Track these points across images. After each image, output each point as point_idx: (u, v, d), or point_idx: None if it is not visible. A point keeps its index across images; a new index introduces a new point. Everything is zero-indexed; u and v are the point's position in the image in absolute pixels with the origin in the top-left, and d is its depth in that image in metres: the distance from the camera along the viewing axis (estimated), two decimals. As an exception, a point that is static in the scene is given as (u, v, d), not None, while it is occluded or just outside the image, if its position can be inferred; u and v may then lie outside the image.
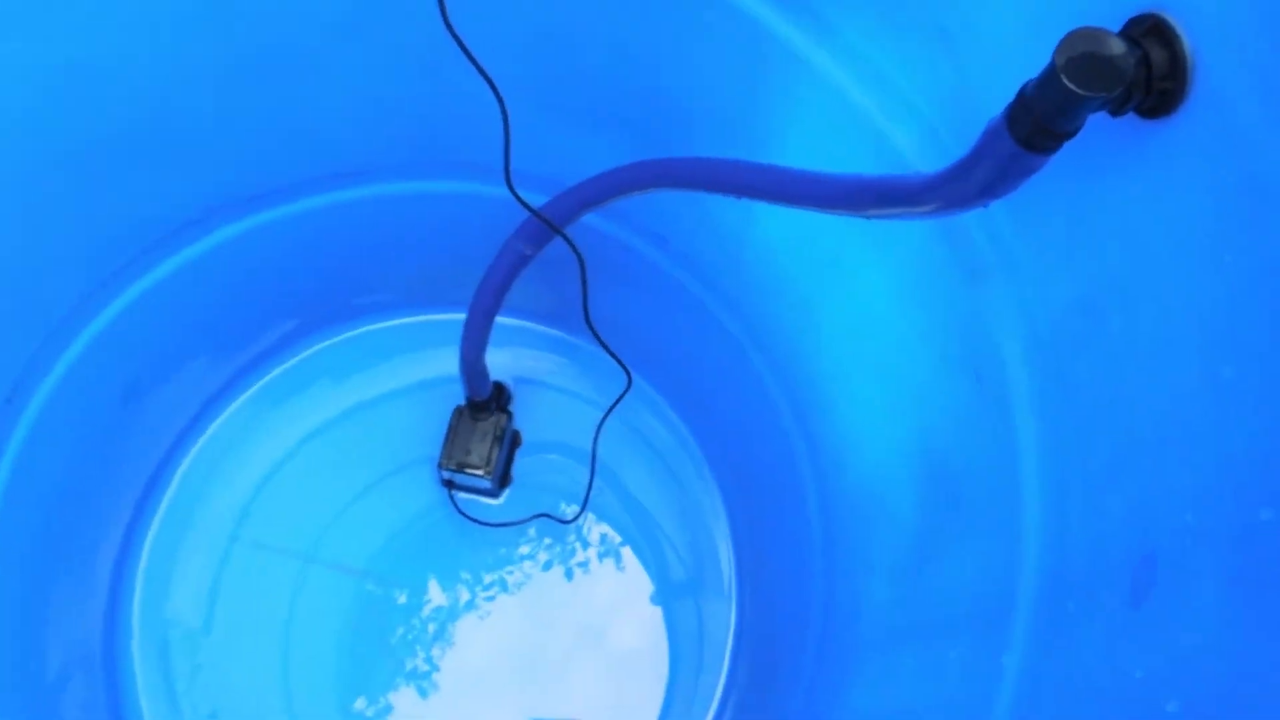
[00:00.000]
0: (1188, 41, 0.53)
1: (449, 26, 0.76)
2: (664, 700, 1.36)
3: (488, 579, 1.40)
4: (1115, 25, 0.55)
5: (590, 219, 1.04)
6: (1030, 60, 0.53)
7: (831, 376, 1.08)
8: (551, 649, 1.37)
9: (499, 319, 1.17)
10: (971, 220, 0.77)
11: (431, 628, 1.37)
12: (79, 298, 1.11)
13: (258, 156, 1.13)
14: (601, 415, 1.35)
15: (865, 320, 0.98)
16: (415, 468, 1.43)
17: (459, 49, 0.78)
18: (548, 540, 1.42)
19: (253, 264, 1.25)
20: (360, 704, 1.34)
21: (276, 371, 1.46)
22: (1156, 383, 0.59)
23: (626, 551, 1.42)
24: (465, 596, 1.38)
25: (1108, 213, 0.63)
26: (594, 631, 1.38)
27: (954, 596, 0.84)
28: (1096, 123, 0.55)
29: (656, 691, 1.36)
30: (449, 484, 1.41)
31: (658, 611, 1.39)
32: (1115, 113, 0.55)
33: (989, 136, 0.55)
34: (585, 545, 1.42)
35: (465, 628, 1.37)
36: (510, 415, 1.41)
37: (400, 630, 1.37)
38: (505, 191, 0.92)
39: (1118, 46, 0.49)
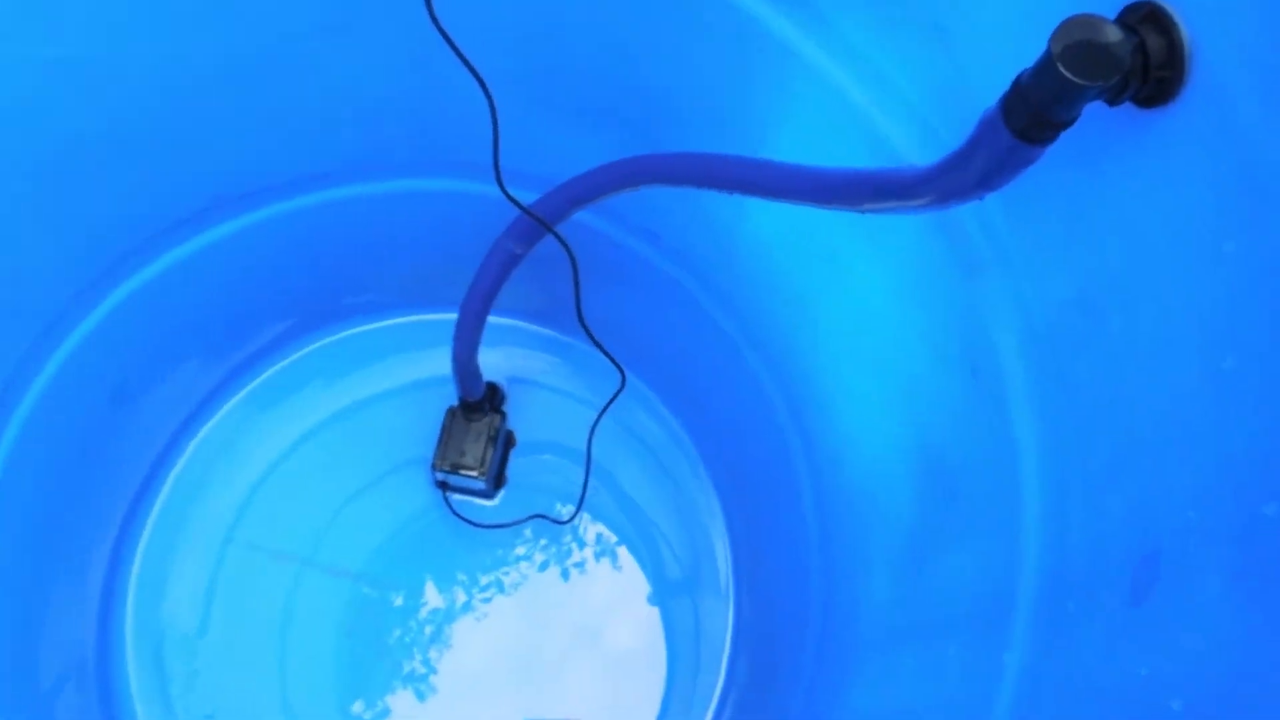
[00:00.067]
0: (1185, 28, 0.52)
1: (435, 22, 0.75)
2: (662, 700, 1.35)
3: (484, 580, 1.39)
4: (1111, 13, 0.54)
5: (582, 216, 1.03)
6: (1025, 53, 0.53)
7: (827, 373, 1.07)
8: (548, 650, 1.37)
9: (491, 318, 1.17)
10: (966, 213, 0.76)
11: (428, 629, 1.36)
12: (68, 298, 1.10)
13: (248, 155, 1.13)
14: (596, 414, 1.34)
15: (860, 316, 0.98)
16: (409, 469, 1.43)
17: (447, 46, 0.77)
18: (543, 541, 1.41)
19: (244, 264, 1.25)
20: (358, 707, 1.33)
21: (269, 373, 1.45)
22: (1156, 378, 0.59)
23: (623, 551, 1.42)
24: (461, 598, 1.38)
25: (1104, 204, 0.62)
26: (591, 632, 1.38)
27: (953, 595, 0.83)
28: (1092, 112, 0.54)
29: (654, 692, 1.36)
30: (443, 485, 1.40)
31: (655, 611, 1.39)
32: (1112, 102, 0.54)
33: (984, 128, 0.54)
34: (581, 545, 1.42)
35: (462, 629, 1.37)
36: (504, 415, 1.41)
37: (397, 632, 1.36)
38: (496, 190, 0.92)
39: (1114, 34, 0.49)
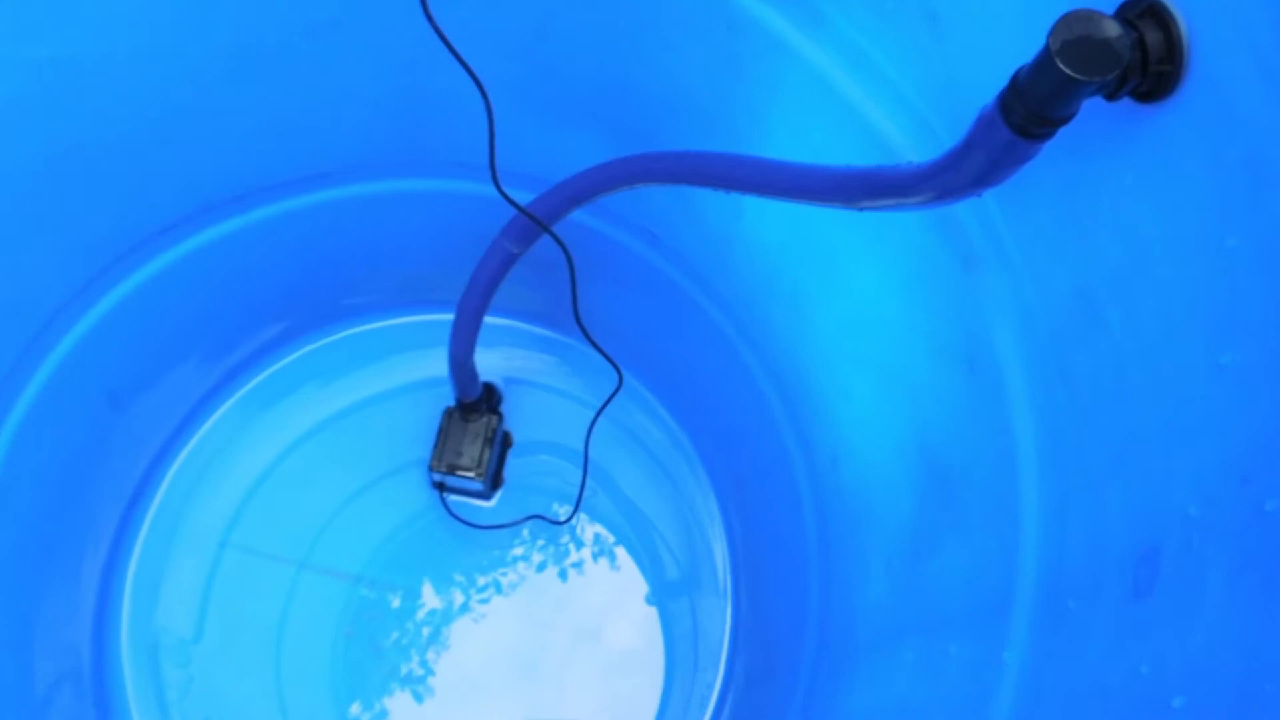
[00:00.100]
0: (1184, 23, 0.52)
1: (431, 21, 0.75)
2: (661, 700, 1.35)
3: (482, 581, 1.39)
4: (1109, 8, 0.54)
5: (578, 216, 1.03)
6: (1020, 44, 0.52)
7: (824, 371, 1.07)
8: (547, 651, 1.36)
9: (488, 319, 1.17)
10: (964, 210, 0.76)
11: (426, 631, 1.36)
12: (61, 302, 1.10)
13: (241, 157, 1.12)
14: (593, 415, 1.34)
15: (857, 314, 0.98)
16: (406, 471, 1.43)
17: (443, 47, 0.77)
18: (541, 542, 1.41)
19: (239, 265, 1.24)
20: (356, 709, 1.33)
21: (264, 375, 1.45)
22: (1156, 373, 0.59)
23: (621, 552, 1.41)
24: (459, 599, 1.38)
25: (1103, 199, 0.62)
26: (589, 632, 1.38)
27: (953, 593, 0.83)
28: (1091, 108, 0.54)
29: (653, 692, 1.35)
30: (440, 486, 1.40)
31: (653, 611, 1.39)
32: (1110, 97, 0.54)
33: (982, 124, 0.54)
34: (579, 546, 1.41)
35: (460, 631, 1.36)
36: (501, 416, 1.40)
37: (395, 634, 1.36)
38: (492, 190, 0.92)
39: (1113, 29, 0.48)
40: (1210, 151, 0.53)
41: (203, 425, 1.42)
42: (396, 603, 1.37)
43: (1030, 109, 0.50)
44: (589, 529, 1.42)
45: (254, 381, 1.44)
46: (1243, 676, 0.49)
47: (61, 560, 1.24)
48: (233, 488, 1.41)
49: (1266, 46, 0.49)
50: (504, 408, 1.44)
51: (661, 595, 1.40)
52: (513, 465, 1.44)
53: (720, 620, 1.38)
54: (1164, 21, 0.52)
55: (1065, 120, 0.51)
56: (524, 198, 0.99)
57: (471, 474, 1.35)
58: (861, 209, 0.67)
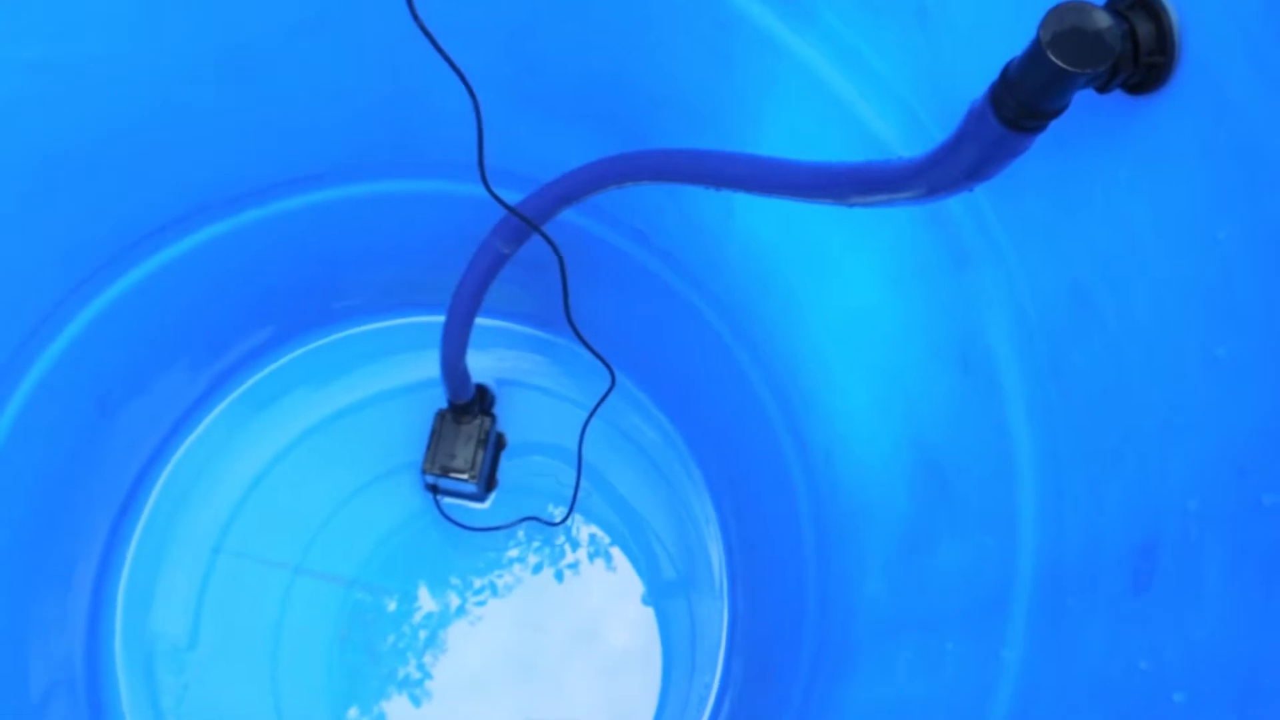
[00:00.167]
0: (1175, 14, 0.52)
1: (417, 19, 0.75)
2: (659, 700, 1.35)
3: (477, 584, 1.38)
4: (1099, -1, 0.54)
5: (569, 215, 1.03)
6: (1010, 38, 0.52)
7: (818, 369, 1.07)
8: (544, 652, 1.36)
9: (479, 320, 1.16)
10: (955, 205, 0.75)
11: (423, 634, 1.36)
12: (49, 306, 1.09)
13: (230, 159, 1.12)
14: (586, 415, 1.34)
15: (851, 311, 0.97)
16: (399, 473, 1.42)
17: (429, 46, 0.77)
18: (536, 543, 1.41)
19: (228, 269, 1.24)
20: (353, 713, 1.32)
21: (256, 378, 1.44)
22: (1152, 366, 0.58)
23: (616, 552, 1.41)
24: (455, 602, 1.37)
25: (1095, 192, 0.61)
26: (586, 633, 1.37)
27: (950, 590, 0.83)
28: (1082, 100, 0.53)
29: (651, 692, 1.35)
30: (433, 489, 1.39)
31: (649, 612, 1.39)
32: (1102, 89, 0.54)
33: (973, 118, 0.53)
34: (575, 547, 1.41)
35: (457, 633, 1.36)
36: (494, 418, 1.40)
37: (391, 638, 1.35)
38: (481, 190, 0.91)
39: (1104, 20, 0.48)
40: (1202, 143, 0.52)
41: (194, 430, 1.41)
42: (392, 606, 1.37)
43: (1021, 102, 0.50)
44: (584, 530, 1.42)
45: (245, 385, 1.44)
46: (1244, 670, 0.49)
47: (53, 568, 1.23)
48: (225, 493, 1.40)
49: (1258, 37, 0.48)
50: (497, 409, 1.43)
51: (658, 595, 1.39)
52: (506, 467, 1.44)
53: (717, 620, 1.38)
54: (1155, 12, 0.52)
55: (1057, 113, 0.51)
56: (514, 197, 0.98)
57: (465, 476, 1.34)
58: (853, 205, 0.66)
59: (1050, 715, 0.66)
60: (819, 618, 1.11)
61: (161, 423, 1.38)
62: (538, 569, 1.40)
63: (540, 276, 1.14)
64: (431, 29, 0.76)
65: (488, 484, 1.41)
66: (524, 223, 0.98)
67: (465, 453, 1.35)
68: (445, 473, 1.35)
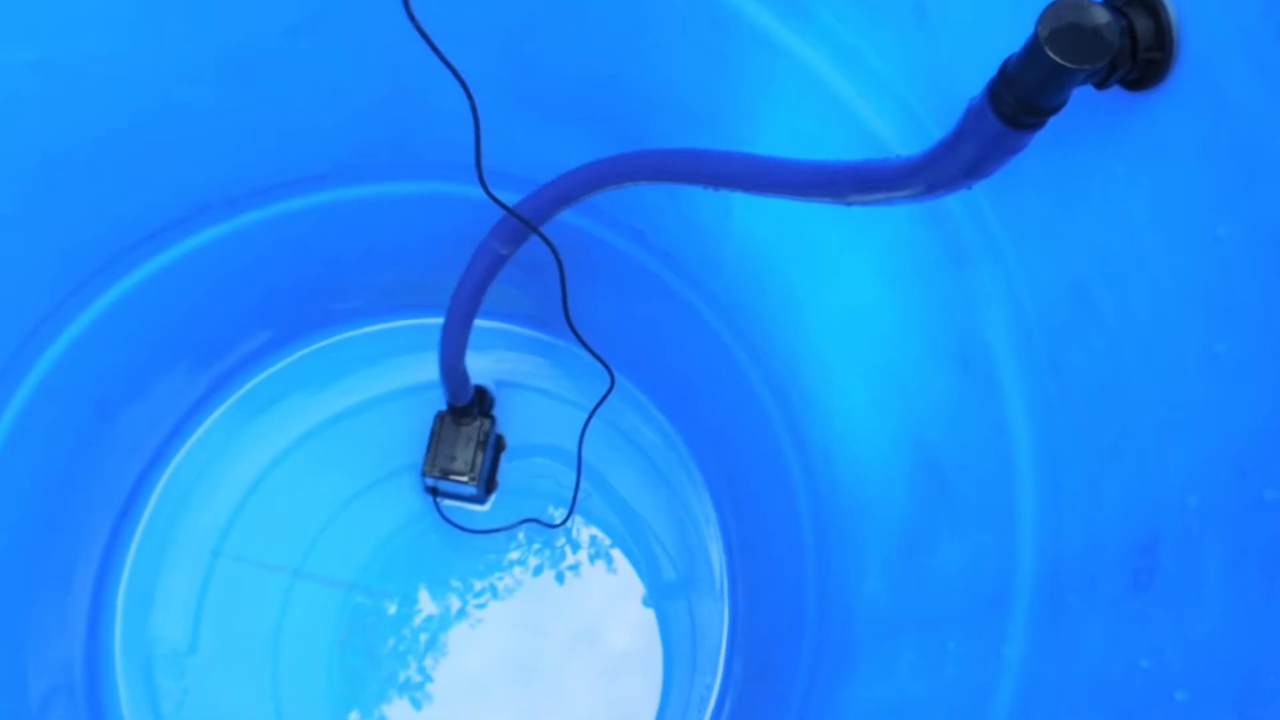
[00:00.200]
0: (1173, 9, 0.51)
1: (414, 20, 0.74)
2: (660, 702, 1.35)
3: (478, 586, 1.38)
4: (1096, -5, 0.54)
5: (567, 216, 1.03)
6: (1008, 35, 0.52)
7: (817, 369, 1.07)
8: (545, 654, 1.36)
9: (478, 322, 1.16)
10: (954, 202, 0.75)
11: (423, 637, 1.35)
12: (48, 308, 1.09)
13: (228, 161, 1.12)
14: (586, 416, 1.33)
15: (850, 311, 0.97)
16: (399, 476, 1.42)
17: (426, 47, 0.77)
18: (537, 545, 1.41)
19: (225, 272, 1.24)
20: (354, 717, 1.32)
21: (255, 381, 1.44)
22: (1151, 363, 0.58)
23: (616, 554, 1.41)
24: (456, 605, 1.37)
25: (1094, 189, 0.61)
26: (587, 635, 1.37)
27: (950, 589, 0.83)
28: (1080, 96, 0.53)
29: (652, 693, 1.35)
30: (433, 491, 1.39)
31: (650, 613, 1.38)
32: (1100, 85, 0.54)
33: (971, 116, 0.53)
34: (575, 549, 1.41)
35: (457, 636, 1.36)
36: (493, 419, 1.40)
37: (391, 641, 1.35)
38: (479, 191, 0.91)
39: (1102, 16, 0.48)
40: (1201, 139, 0.52)
41: (193, 433, 1.41)
42: (392, 609, 1.36)
43: (1020, 98, 0.50)
44: (584, 531, 1.41)
45: (244, 388, 1.44)
46: (1245, 668, 0.49)
47: (53, 571, 1.23)
48: (225, 496, 1.40)
49: (1257, 32, 0.48)
50: (496, 411, 1.43)
51: (658, 596, 1.39)
52: (506, 469, 1.44)
53: (718, 620, 1.37)
54: (1153, 8, 0.52)
55: (1055, 110, 0.51)
56: (512, 198, 0.98)
57: (465, 478, 1.34)
58: (851, 204, 0.66)
59: (1052, 714, 0.66)
60: (819, 617, 1.10)
61: (161, 425, 1.37)
62: (538, 571, 1.39)
63: (539, 277, 1.14)
64: (428, 31, 0.76)
65: (487, 486, 1.41)
66: (522, 224, 0.98)
67: (465, 455, 1.35)
68: (445, 475, 1.34)
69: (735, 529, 1.38)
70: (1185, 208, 0.55)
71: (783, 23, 0.83)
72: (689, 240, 1.16)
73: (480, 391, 1.39)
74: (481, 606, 1.37)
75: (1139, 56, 0.52)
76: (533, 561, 1.40)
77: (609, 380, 1.24)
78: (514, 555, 1.40)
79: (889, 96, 0.78)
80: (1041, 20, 0.48)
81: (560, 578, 1.39)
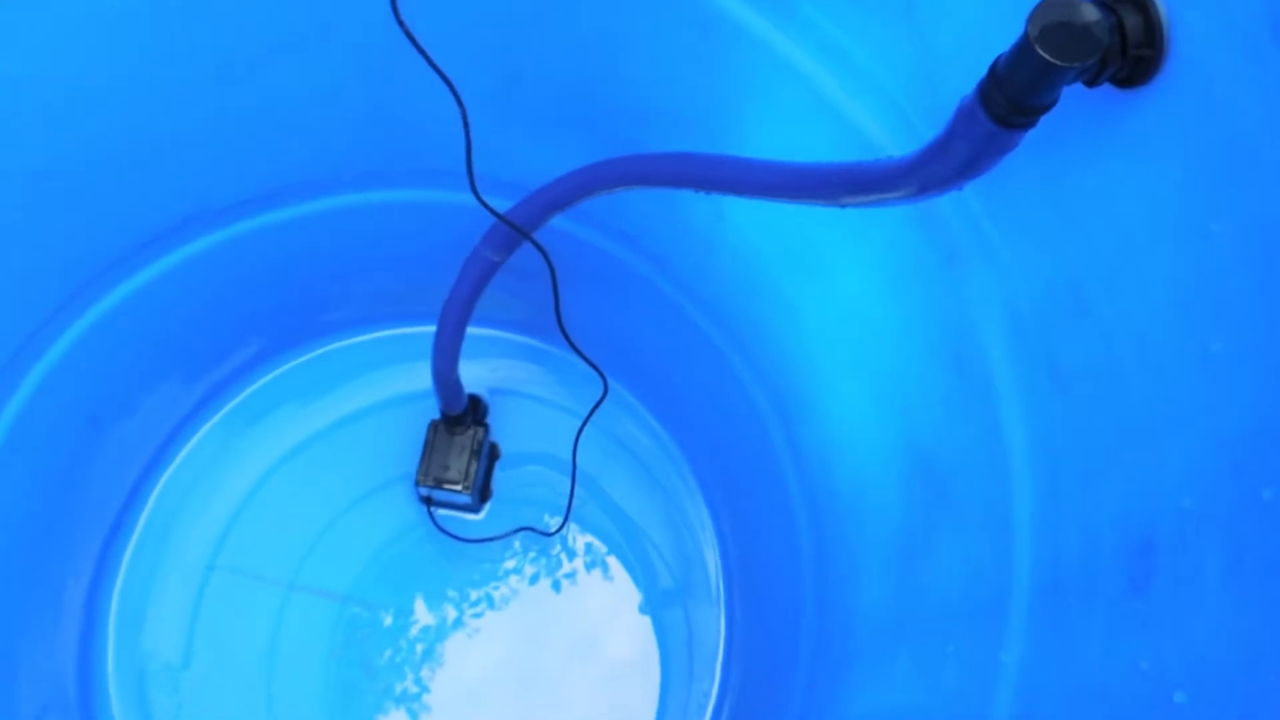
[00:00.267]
0: (1162, 6, 0.51)
1: (402, 25, 0.74)
2: (657, 709, 1.34)
3: (474, 595, 1.38)
4: (1086, -7, 0.54)
5: (558, 222, 1.02)
6: (998, 33, 0.52)
7: (811, 373, 1.06)
8: (543, 663, 1.35)
9: (471, 330, 1.16)
10: (945, 203, 0.75)
11: (420, 648, 1.35)
12: (39, 322, 1.08)
13: (217, 172, 1.11)
14: (580, 423, 1.33)
15: (843, 314, 0.97)
16: (393, 486, 1.41)
17: (417, 55, 0.76)
18: (532, 553, 1.40)
19: (216, 282, 1.23)
20: (349, 730, 1.31)
21: (246, 393, 1.44)
22: (1146, 363, 0.58)
23: (613, 561, 1.40)
24: (452, 615, 1.36)
25: (1086, 187, 0.61)
26: (585, 643, 1.36)
27: (948, 593, 0.82)
28: (1070, 94, 0.53)
29: (650, 701, 1.34)
30: (428, 501, 1.39)
31: (647, 620, 1.38)
32: (1090, 83, 0.53)
33: (962, 116, 0.53)
34: (571, 556, 1.40)
35: (454, 646, 1.35)
36: (487, 428, 1.39)
37: (388, 652, 1.34)
38: (470, 198, 0.91)
39: (1092, 13, 0.48)
40: (1192, 136, 0.52)
41: (185, 446, 1.40)
42: (388, 620, 1.36)
43: (1010, 98, 0.50)
44: (580, 539, 1.41)
45: (235, 400, 1.43)
46: (1244, 668, 0.48)
47: (44, 586, 1.22)
48: (218, 508, 1.39)
49: (1246, 28, 0.48)
50: (490, 419, 1.43)
51: (655, 604, 1.39)
52: (501, 477, 1.43)
53: (715, 627, 1.37)
54: (1143, 5, 0.52)
55: (1046, 108, 0.51)
56: (503, 205, 0.98)
57: (459, 487, 1.34)
58: (843, 206, 0.66)
59: (1051, 717, 0.65)
60: (817, 623, 1.10)
61: (153, 438, 1.37)
62: (534, 579, 1.39)
63: (531, 284, 1.14)
64: (418, 38, 0.76)
65: (482, 495, 1.41)
66: (514, 230, 0.98)
67: (459, 464, 1.34)
68: (439, 484, 1.34)
69: (731, 535, 1.37)
70: (1177, 205, 0.54)
71: (770, 24, 0.83)
72: (681, 245, 1.16)
73: (474, 400, 1.39)
74: (478, 616, 1.37)
75: (1129, 54, 0.52)
76: (529, 570, 1.39)
77: (603, 387, 1.24)
78: (510, 564, 1.39)
79: (878, 95, 0.78)
80: (1031, 18, 0.47)
81: (556, 586, 1.39)
